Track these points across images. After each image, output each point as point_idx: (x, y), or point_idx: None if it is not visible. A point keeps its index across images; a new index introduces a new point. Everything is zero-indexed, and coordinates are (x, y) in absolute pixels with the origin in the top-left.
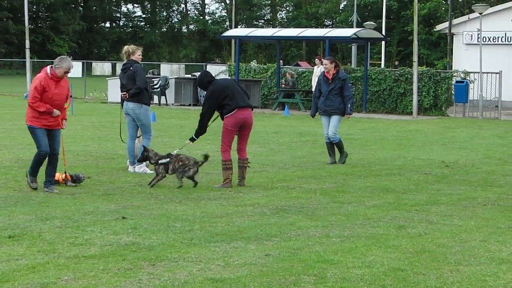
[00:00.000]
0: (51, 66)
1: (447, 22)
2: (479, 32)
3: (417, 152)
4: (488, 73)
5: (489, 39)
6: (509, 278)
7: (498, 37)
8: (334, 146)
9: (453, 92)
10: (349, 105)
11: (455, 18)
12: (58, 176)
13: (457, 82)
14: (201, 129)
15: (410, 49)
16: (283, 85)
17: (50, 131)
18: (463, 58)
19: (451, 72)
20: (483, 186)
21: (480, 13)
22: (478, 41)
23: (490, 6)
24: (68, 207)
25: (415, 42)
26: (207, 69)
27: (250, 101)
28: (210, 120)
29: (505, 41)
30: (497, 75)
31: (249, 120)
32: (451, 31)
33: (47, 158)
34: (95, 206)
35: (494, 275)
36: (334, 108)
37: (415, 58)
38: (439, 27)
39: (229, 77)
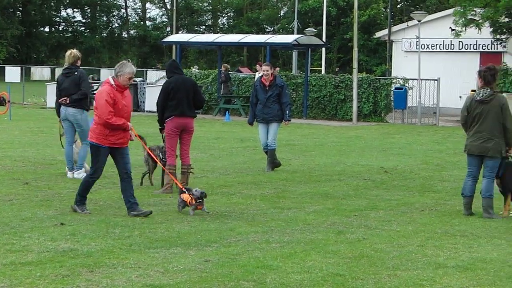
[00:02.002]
0: (113, 76)
1: (387, 29)
2: (417, 39)
3: (356, 158)
4: (426, 80)
5: (428, 46)
6: (446, 282)
7: (436, 44)
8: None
9: (392, 99)
10: (287, 112)
11: (394, 25)
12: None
13: (396, 88)
14: (158, 118)
15: (350, 55)
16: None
17: (118, 150)
18: (402, 65)
19: (390, 78)
20: (421, 192)
21: (419, 21)
22: (416, 48)
23: (429, 14)
24: (5, 213)
25: (355, 49)
26: (149, 74)
27: (193, 110)
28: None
29: (443, 48)
30: (435, 82)
31: (189, 125)
32: (391, 38)
33: (121, 181)
34: (33, 212)
35: (431, 279)
36: (273, 116)
37: (355, 64)
38: (378, 34)
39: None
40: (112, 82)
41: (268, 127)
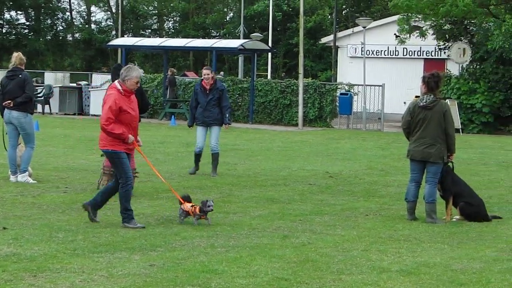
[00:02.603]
0: (119, 81)
1: (332, 35)
2: (362, 46)
3: (302, 163)
4: (371, 85)
5: (373, 53)
6: (389, 286)
7: (381, 51)
8: (201, 157)
9: (337, 104)
10: (227, 115)
11: (339, 31)
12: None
13: (341, 94)
14: None
15: (296, 61)
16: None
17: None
18: (347, 71)
19: (336, 84)
20: (366, 197)
21: (364, 27)
22: (362, 54)
23: (374, 20)
24: None
25: (301, 54)
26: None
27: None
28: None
29: (388, 54)
30: (380, 87)
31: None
32: (336, 44)
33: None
34: None
35: (375, 283)
36: (213, 119)
37: (300, 70)
38: (324, 39)
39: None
40: (119, 87)
41: (210, 131)
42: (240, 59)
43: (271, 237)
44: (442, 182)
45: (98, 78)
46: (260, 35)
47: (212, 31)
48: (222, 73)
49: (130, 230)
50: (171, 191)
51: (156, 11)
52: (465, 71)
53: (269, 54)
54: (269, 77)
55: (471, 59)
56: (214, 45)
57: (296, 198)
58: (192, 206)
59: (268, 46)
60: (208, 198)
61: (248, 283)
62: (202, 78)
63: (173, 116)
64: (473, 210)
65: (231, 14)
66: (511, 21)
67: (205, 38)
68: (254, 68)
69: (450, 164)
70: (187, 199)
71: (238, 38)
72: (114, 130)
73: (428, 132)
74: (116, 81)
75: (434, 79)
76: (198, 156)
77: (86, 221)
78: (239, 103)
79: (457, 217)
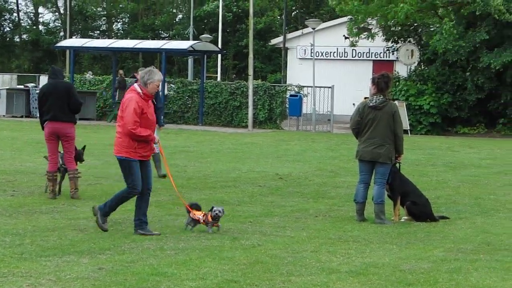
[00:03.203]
0: (139, 84)
1: (282, 37)
2: (312, 47)
3: (252, 165)
4: (321, 87)
5: (322, 54)
6: (339, 287)
7: (330, 52)
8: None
9: (287, 106)
10: (162, 117)
11: (289, 32)
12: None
13: (291, 96)
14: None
15: (245, 62)
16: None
17: (143, 163)
18: (297, 72)
19: (286, 86)
20: (315, 198)
21: (313, 28)
22: (311, 56)
23: (323, 22)
24: None
25: (251, 56)
26: (42, 79)
27: (69, 115)
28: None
29: (337, 56)
30: (330, 89)
31: (62, 131)
32: (286, 46)
33: (139, 196)
34: None
35: (324, 284)
36: (156, 120)
37: (250, 71)
38: (274, 41)
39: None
40: (139, 90)
41: None
42: (190, 60)
43: (221, 239)
44: (390, 183)
45: (46, 80)
46: (210, 36)
47: (162, 32)
48: (90, 72)
49: (79, 234)
50: (180, 198)
51: (105, 12)
52: (413, 72)
53: (219, 55)
54: (219, 78)
55: (419, 60)
56: (163, 47)
57: (246, 200)
58: (203, 214)
59: (218, 47)
60: (216, 206)
61: (198, 285)
62: (137, 80)
63: None
64: (419, 209)
65: (181, 16)
66: (450, 24)
67: (154, 40)
68: (204, 70)
69: (397, 164)
70: (195, 207)
71: (188, 39)
72: (141, 132)
73: (378, 133)
74: (135, 84)
75: (384, 79)
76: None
77: (33, 225)
78: (189, 105)
79: (405, 217)
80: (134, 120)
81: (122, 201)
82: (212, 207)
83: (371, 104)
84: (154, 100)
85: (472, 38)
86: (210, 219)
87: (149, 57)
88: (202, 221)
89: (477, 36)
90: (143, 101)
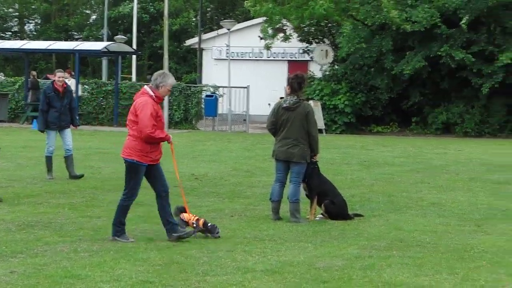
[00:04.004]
0: (150, 86)
1: (197, 37)
2: (227, 48)
3: (167, 165)
4: (236, 87)
5: (237, 55)
6: (254, 286)
7: (245, 53)
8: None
9: (203, 106)
10: (77, 117)
11: (204, 33)
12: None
13: (206, 96)
14: None
15: (161, 63)
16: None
17: (154, 166)
18: (213, 73)
19: (201, 86)
20: (231, 198)
21: (229, 29)
22: (227, 56)
23: (238, 23)
24: None
25: (166, 57)
26: None
27: None
28: None
29: (253, 56)
30: (245, 89)
31: None
32: (201, 46)
33: (159, 199)
34: None
35: (240, 284)
36: (67, 122)
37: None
38: (189, 42)
39: None
40: (152, 93)
41: (63, 133)
42: (104, 61)
43: (136, 240)
44: (308, 182)
45: None
46: (124, 37)
47: (75, 33)
48: (1, 74)
49: None
50: (182, 198)
51: (17, 13)
52: (327, 72)
53: (134, 56)
54: (134, 79)
55: (333, 60)
56: (77, 48)
57: None
58: (196, 219)
59: (133, 48)
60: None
61: (112, 287)
62: (53, 81)
63: (34, 120)
64: (336, 209)
65: (94, 16)
66: (350, 27)
67: (67, 41)
68: (119, 71)
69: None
70: (182, 209)
71: (102, 40)
72: (159, 135)
73: (291, 133)
74: (147, 87)
75: (297, 80)
76: (51, 159)
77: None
78: (104, 106)
79: (320, 215)
80: (152, 123)
81: (125, 211)
82: (215, 226)
83: (284, 105)
84: (69, 100)
85: (379, 43)
86: (201, 225)
87: (62, 58)
88: (190, 223)
89: (384, 44)
90: (156, 104)
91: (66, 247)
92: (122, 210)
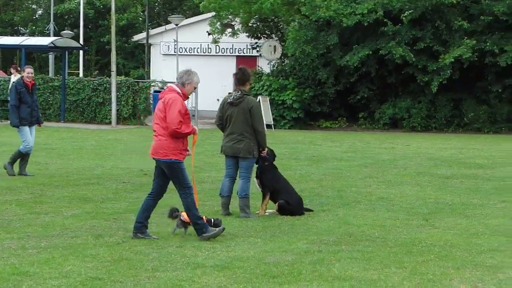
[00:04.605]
0: (177, 84)
1: (145, 33)
2: (175, 43)
3: (116, 161)
4: None
5: (186, 50)
6: (204, 282)
7: (194, 48)
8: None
9: (151, 102)
10: (40, 114)
11: (152, 28)
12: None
13: (155, 91)
14: None
15: (108, 58)
16: None
17: None
18: (161, 68)
19: (149, 82)
20: (175, 193)
21: (176, 24)
22: (175, 52)
23: (186, 18)
24: None
25: (113, 52)
26: None
27: None
28: None
29: (201, 52)
30: None
31: None
32: (149, 42)
33: (151, 200)
34: None
35: (190, 279)
36: (36, 118)
37: (113, 67)
38: (137, 37)
39: None
40: (179, 91)
41: (31, 130)
42: (51, 57)
43: (85, 237)
44: (261, 178)
45: None
46: (71, 32)
47: (21, 28)
48: None
49: None
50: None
51: None
52: (275, 68)
53: (81, 51)
54: (81, 75)
55: (281, 56)
56: (23, 43)
57: (110, 197)
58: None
59: (80, 43)
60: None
61: (61, 284)
62: (22, 77)
63: None
64: (291, 209)
65: (41, 11)
66: (296, 27)
67: (13, 36)
68: (66, 66)
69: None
70: (177, 209)
71: (48, 35)
72: (185, 130)
73: (236, 128)
74: (173, 85)
75: (239, 74)
76: (27, 156)
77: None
78: (50, 102)
79: (270, 211)
80: (179, 120)
81: (194, 205)
82: (212, 218)
83: (229, 100)
84: (36, 97)
85: (325, 39)
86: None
87: (8, 53)
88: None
89: (329, 40)
90: (184, 101)
91: (14, 243)
92: (192, 205)
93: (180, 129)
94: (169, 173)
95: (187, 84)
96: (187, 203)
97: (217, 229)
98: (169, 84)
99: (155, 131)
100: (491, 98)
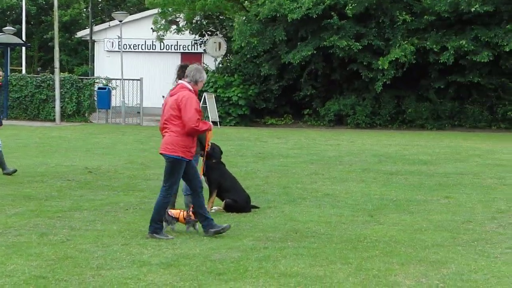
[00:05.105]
0: (188, 81)
1: (88, 29)
2: (119, 40)
3: (60, 159)
4: (129, 79)
5: (130, 47)
6: (150, 279)
7: (138, 45)
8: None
9: (95, 99)
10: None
11: (96, 25)
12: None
13: (99, 88)
14: None
15: (51, 55)
16: None
17: (190, 162)
18: (105, 65)
19: (93, 78)
20: (126, 191)
21: (120, 21)
22: (119, 48)
23: (130, 14)
24: None
25: (56, 49)
26: None
27: None
28: None
29: (145, 48)
30: (138, 82)
31: None
32: (93, 38)
33: (195, 196)
34: None
35: (135, 277)
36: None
37: (56, 64)
38: (80, 33)
39: None
40: (191, 88)
41: None
42: None
43: (29, 235)
44: (208, 175)
45: None
46: (13, 28)
47: None
48: None
49: None
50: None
51: None
52: (221, 64)
53: (23, 48)
54: (23, 71)
55: (226, 52)
56: None
57: (54, 195)
58: (188, 213)
59: (22, 40)
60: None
61: (4, 283)
62: None
63: None
64: (238, 207)
65: None
66: (243, 19)
67: None
68: (8, 63)
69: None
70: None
71: None
72: (203, 127)
73: None
74: (185, 82)
75: (179, 70)
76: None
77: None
78: None
79: (216, 207)
80: (197, 118)
81: (165, 207)
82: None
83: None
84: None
85: (271, 34)
86: (193, 217)
87: None
88: (182, 218)
89: (276, 34)
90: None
91: None
92: (163, 206)
93: (199, 126)
94: (168, 167)
95: (199, 82)
96: (162, 202)
97: (169, 236)
98: (179, 81)
99: (166, 127)
100: (434, 95)
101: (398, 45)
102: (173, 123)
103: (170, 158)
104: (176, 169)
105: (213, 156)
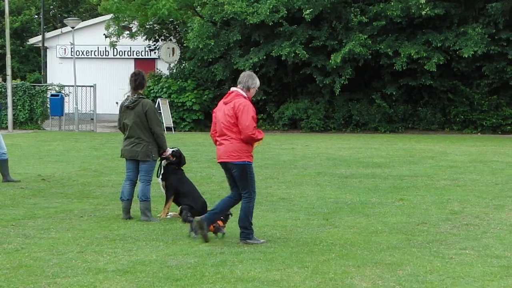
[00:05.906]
0: (242, 88)
1: (40, 36)
2: (72, 46)
3: (13, 167)
4: (82, 86)
5: (83, 53)
6: (106, 286)
7: (91, 51)
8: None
9: (48, 106)
10: None
11: (48, 31)
12: None
13: (52, 95)
14: None
15: (3, 62)
16: None
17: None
18: (58, 72)
19: (46, 85)
20: (80, 198)
21: (73, 27)
22: (71, 55)
23: (83, 20)
24: None
25: (8, 56)
26: None
27: None
28: None
29: (99, 55)
30: (92, 88)
31: None
32: (45, 45)
33: (243, 202)
34: None
35: (91, 285)
36: None
37: (8, 71)
38: (32, 40)
39: None
40: (245, 95)
41: None
42: None
43: None
44: (166, 180)
45: None
46: None
47: None
48: None
49: None
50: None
51: None
52: (174, 70)
53: None
54: None
55: (180, 58)
56: None
57: (7, 203)
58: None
59: None
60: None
61: None
62: None
63: None
64: (194, 213)
65: None
66: (201, 21)
67: None
68: None
69: (164, 161)
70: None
71: None
72: (259, 136)
73: (133, 131)
74: (238, 89)
75: (134, 78)
76: None
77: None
78: None
79: (171, 213)
80: (254, 126)
81: (251, 212)
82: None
83: (125, 104)
84: None
85: (226, 37)
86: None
87: None
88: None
89: (231, 37)
90: None
91: None
92: (249, 212)
93: (255, 135)
94: (239, 175)
95: (252, 88)
96: (248, 207)
97: (260, 240)
98: (232, 88)
99: (225, 135)
100: (381, 100)
101: (350, 41)
102: (233, 130)
103: (238, 165)
104: (248, 172)
105: (172, 162)
